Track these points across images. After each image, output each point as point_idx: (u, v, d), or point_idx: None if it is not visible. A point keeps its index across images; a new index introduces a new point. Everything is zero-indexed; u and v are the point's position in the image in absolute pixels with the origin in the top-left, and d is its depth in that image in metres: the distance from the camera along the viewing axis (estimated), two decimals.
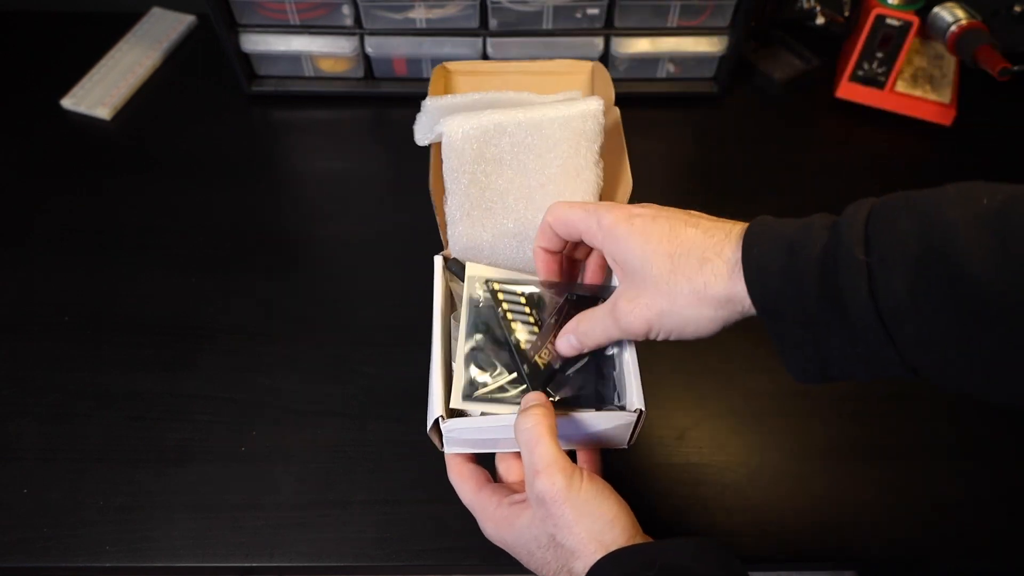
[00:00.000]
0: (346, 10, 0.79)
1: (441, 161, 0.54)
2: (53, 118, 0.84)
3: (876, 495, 0.58)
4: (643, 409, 0.45)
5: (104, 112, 0.83)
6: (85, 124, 0.83)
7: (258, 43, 0.81)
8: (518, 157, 0.54)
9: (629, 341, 0.48)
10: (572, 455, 0.48)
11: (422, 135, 0.55)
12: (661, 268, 0.39)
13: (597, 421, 0.46)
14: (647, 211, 0.41)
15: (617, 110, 0.58)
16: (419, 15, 0.79)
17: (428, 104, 0.56)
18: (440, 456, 0.48)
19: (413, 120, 0.56)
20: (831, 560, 0.56)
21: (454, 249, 0.55)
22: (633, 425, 0.46)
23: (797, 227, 0.36)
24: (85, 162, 0.80)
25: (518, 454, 0.45)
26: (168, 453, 0.59)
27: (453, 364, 0.49)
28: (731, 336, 0.67)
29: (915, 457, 0.60)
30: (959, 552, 0.56)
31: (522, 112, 0.53)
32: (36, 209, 0.75)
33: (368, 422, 0.61)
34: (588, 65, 0.62)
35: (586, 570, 0.38)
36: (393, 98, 0.86)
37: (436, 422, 0.45)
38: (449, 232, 0.55)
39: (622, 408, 0.47)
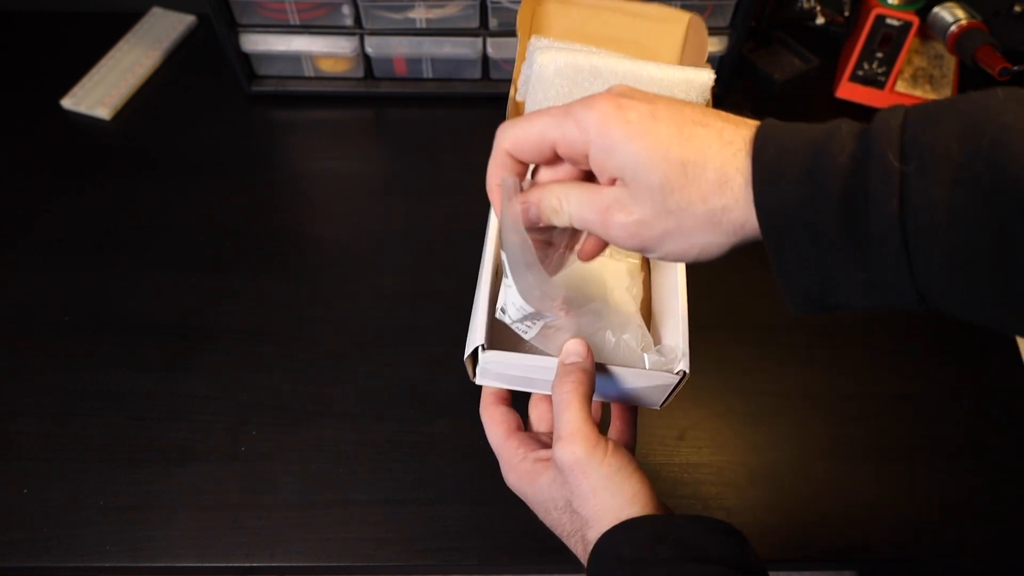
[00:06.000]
0: (346, 10, 0.79)
1: (520, 111, 0.51)
2: (53, 118, 0.84)
3: (876, 495, 0.58)
4: (687, 371, 0.43)
5: (104, 112, 0.83)
6: (85, 124, 0.83)
7: (258, 43, 0.81)
8: None
9: (683, 283, 0.46)
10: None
11: (525, 74, 0.52)
12: (673, 180, 0.32)
13: (636, 379, 0.44)
14: (641, 104, 0.33)
15: (710, 74, 0.53)
16: (419, 15, 0.79)
17: (535, 43, 0.52)
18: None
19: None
20: (831, 560, 0.56)
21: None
22: (672, 387, 0.44)
23: (819, 131, 0.31)
24: (85, 162, 0.80)
25: (551, 399, 0.43)
26: (168, 453, 0.59)
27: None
28: (731, 336, 0.68)
29: (915, 457, 0.60)
30: (959, 552, 0.56)
31: (623, 62, 0.50)
32: (36, 209, 0.75)
33: (368, 422, 0.61)
34: (686, 16, 0.58)
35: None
36: (393, 98, 0.86)
37: (475, 351, 0.43)
38: None
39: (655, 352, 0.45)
